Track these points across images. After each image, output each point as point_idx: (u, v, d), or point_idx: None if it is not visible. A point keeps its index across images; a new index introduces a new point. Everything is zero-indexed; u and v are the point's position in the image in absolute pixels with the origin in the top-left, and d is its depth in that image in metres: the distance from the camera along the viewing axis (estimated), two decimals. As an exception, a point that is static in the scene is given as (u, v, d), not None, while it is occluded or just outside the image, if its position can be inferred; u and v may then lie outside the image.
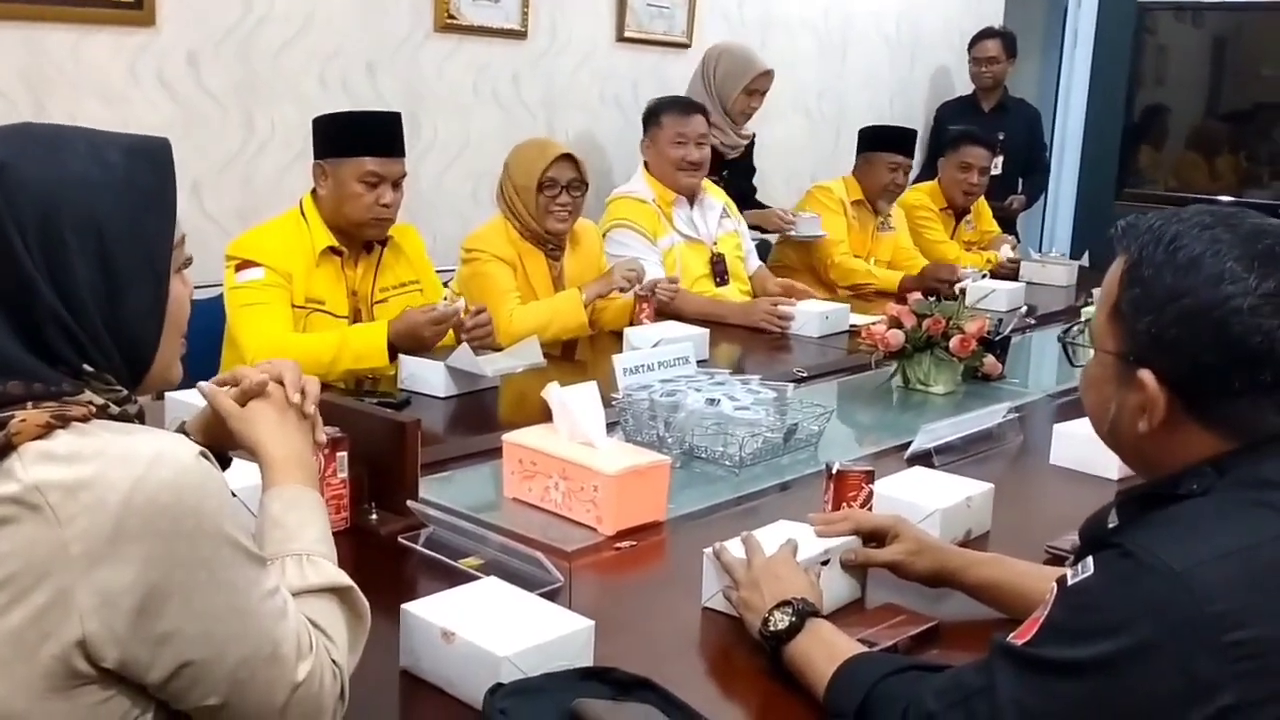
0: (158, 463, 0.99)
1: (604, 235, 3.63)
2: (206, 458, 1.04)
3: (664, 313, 3.34)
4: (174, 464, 1.00)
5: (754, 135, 4.53)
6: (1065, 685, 1.04)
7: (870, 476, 1.82)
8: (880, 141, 4.41)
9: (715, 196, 3.91)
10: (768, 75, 4.32)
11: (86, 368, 1.06)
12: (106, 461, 0.98)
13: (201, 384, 1.36)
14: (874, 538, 1.64)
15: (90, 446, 0.99)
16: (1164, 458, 1.15)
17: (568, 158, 3.20)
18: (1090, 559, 1.08)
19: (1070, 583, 1.09)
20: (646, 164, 3.79)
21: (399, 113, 2.83)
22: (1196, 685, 0.98)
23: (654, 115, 3.77)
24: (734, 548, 1.57)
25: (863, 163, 4.44)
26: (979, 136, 4.78)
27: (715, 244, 3.81)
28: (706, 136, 3.76)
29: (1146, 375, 1.11)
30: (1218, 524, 1.06)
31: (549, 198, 3.18)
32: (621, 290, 3.27)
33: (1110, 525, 1.15)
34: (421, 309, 2.68)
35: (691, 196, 3.80)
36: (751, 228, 4.03)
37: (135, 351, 1.12)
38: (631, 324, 3.19)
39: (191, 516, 1.00)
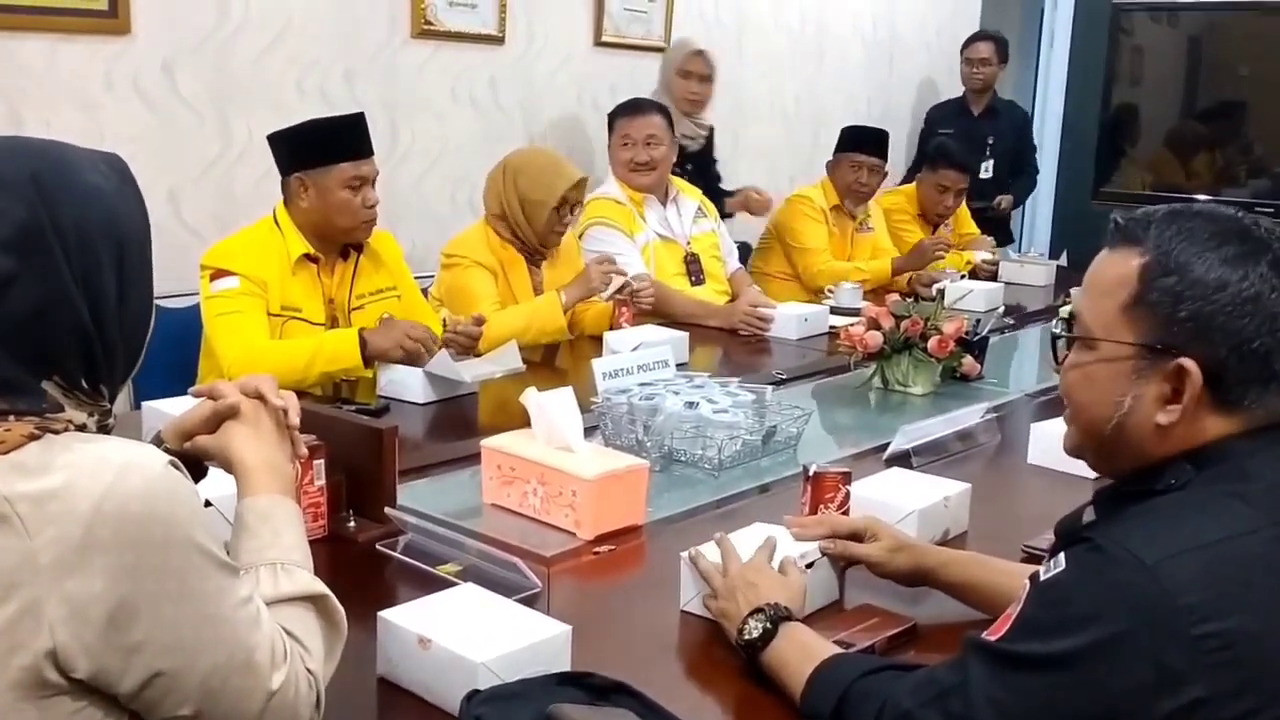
0: (127, 471, 0.99)
1: (581, 235, 3.65)
2: (176, 467, 1.04)
3: (653, 310, 3.35)
4: (143, 473, 1.00)
5: (712, 128, 4.52)
6: (1039, 679, 1.05)
7: (847, 478, 1.83)
8: (846, 141, 4.39)
9: (690, 196, 3.92)
10: (698, 56, 4.31)
11: (84, 383, 1.06)
12: (76, 472, 0.98)
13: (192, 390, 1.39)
14: (851, 539, 1.64)
15: (60, 458, 0.99)
16: (1164, 451, 1.14)
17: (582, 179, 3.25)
18: (1062, 554, 1.09)
19: (1043, 578, 1.09)
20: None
21: (363, 113, 2.82)
22: (1167, 677, 0.99)
23: (611, 119, 3.81)
24: (709, 552, 1.57)
25: (833, 163, 4.42)
26: (956, 158, 4.72)
27: (689, 243, 3.82)
28: (659, 136, 3.72)
29: (1189, 363, 1.11)
30: (1190, 518, 1.07)
31: (559, 216, 3.21)
32: (599, 291, 3.27)
33: (1085, 521, 1.16)
34: (409, 322, 2.69)
35: (661, 195, 3.81)
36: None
37: (131, 358, 1.14)
38: (611, 328, 3.19)
39: (161, 526, 1.00)
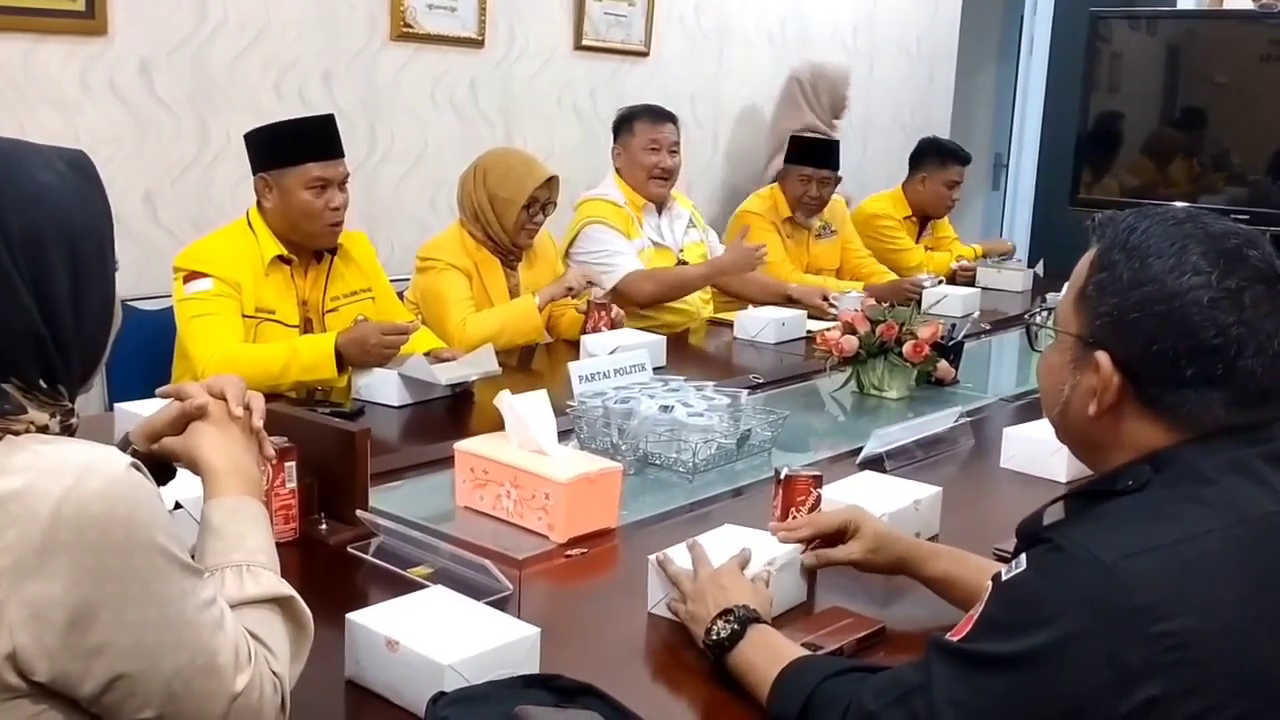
0: (87, 473, 0.99)
1: (575, 235, 3.66)
2: (138, 469, 1.03)
3: (657, 299, 3.56)
4: (105, 474, 0.99)
5: None
6: (999, 679, 1.06)
7: (818, 481, 1.83)
8: (796, 153, 4.30)
9: (683, 206, 3.96)
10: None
11: (42, 384, 1.06)
12: (36, 473, 0.98)
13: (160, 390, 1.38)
14: (835, 534, 1.65)
15: (20, 459, 0.99)
16: (1108, 444, 1.17)
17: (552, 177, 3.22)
18: (1024, 555, 1.10)
19: (1004, 578, 1.10)
20: (618, 170, 3.82)
21: (332, 114, 2.82)
22: (1124, 675, 1.00)
23: (626, 122, 3.80)
24: (677, 555, 1.58)
25: (784, 174, 4.35)
26: (962, 152, 4.85)
27: (681, 252, 3.86)
28: (677, 145, 3.80)
29: (1102, 357, 1.13)
30: (1149, 518, 1.08)
31: (529, 215, 3.19)
32: (577, 291, 3.26)
33: (1046, 522, 1.17)
34: (379, 322, 2.68)
35: (661, 204, 3.84)
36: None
37: (91, 358, 1.13)
38: (585, 332, 3.20)
39: (122, 527, 0.99)
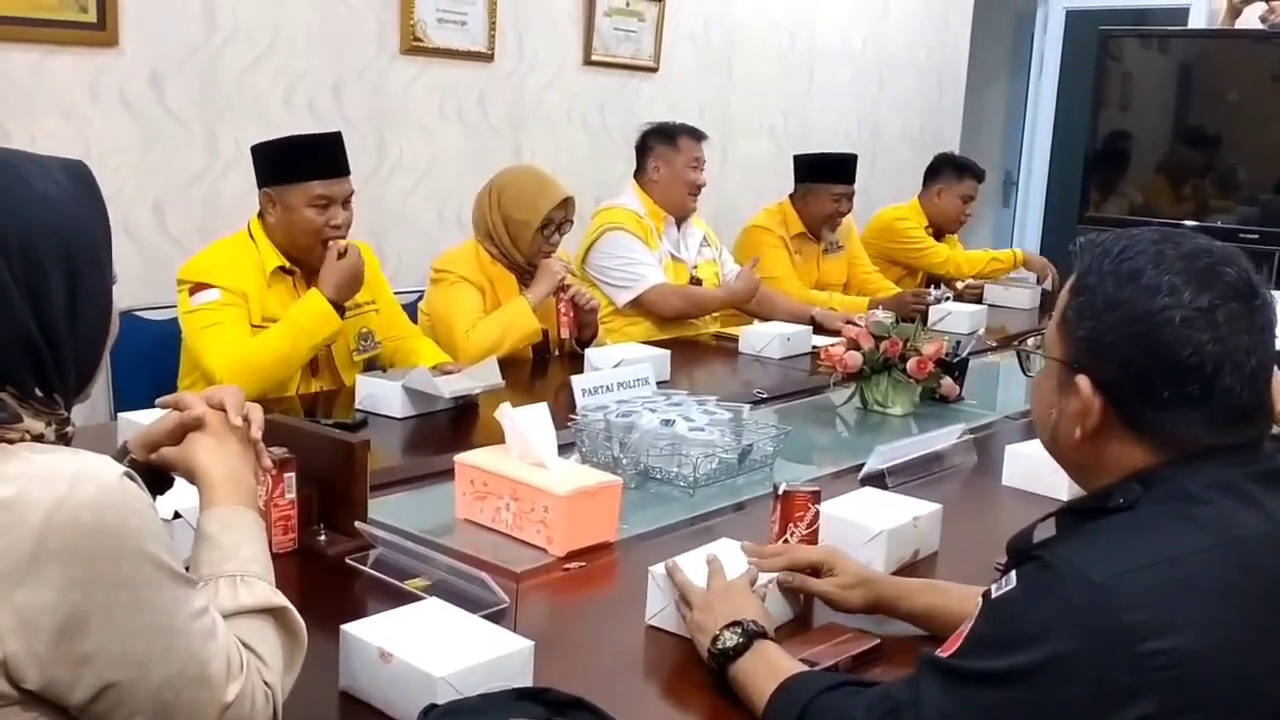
0: (79, 482, 0.99)
1: (593, 241, 3.68)
2: (131, 478, 1.04)
3: (681, 316, 3.62)
4: (96, 483, 1.00)
5: None
6: (988, 695, 1.06)
7: (816, 497, 1.83)
8: (821, 173, 4.31)
9: (697, 225, 4.00)
10: None
11: (38, 392, 1.06)
12: (28, 482, 0.98)
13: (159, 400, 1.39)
14: (810, 571, 1.64)
15: (13, 467, 0.99)
16: (1097, 467, 1.17)
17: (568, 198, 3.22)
18: (1013, 572, 1.10)
19: (994, 596, 1.10)
20: (642, 183, 3.85)
21: (339, 132, 2.82)
22: (1115, 694, 1.00)
23: (668, 137, 3.84)
24: (686, 564, 1.58)
25: (803, 193, 4.35)
26: (978, 167, 4.88)
27: (695, 268, 3.89)
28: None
29: (1083, 380, 1.14)
30: (1139, 537, 1.08)
31: (545, 237, 3.19)
32: (562, 281, 3.23)
33: (1036, 539, 1.17)
34: (340, 258, 2.71)
35: (684, 219, 3.89)
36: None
37: (86, 367, 1.13)
38: (560, 330, 3.25)
39: (113, 536, 1.00)
